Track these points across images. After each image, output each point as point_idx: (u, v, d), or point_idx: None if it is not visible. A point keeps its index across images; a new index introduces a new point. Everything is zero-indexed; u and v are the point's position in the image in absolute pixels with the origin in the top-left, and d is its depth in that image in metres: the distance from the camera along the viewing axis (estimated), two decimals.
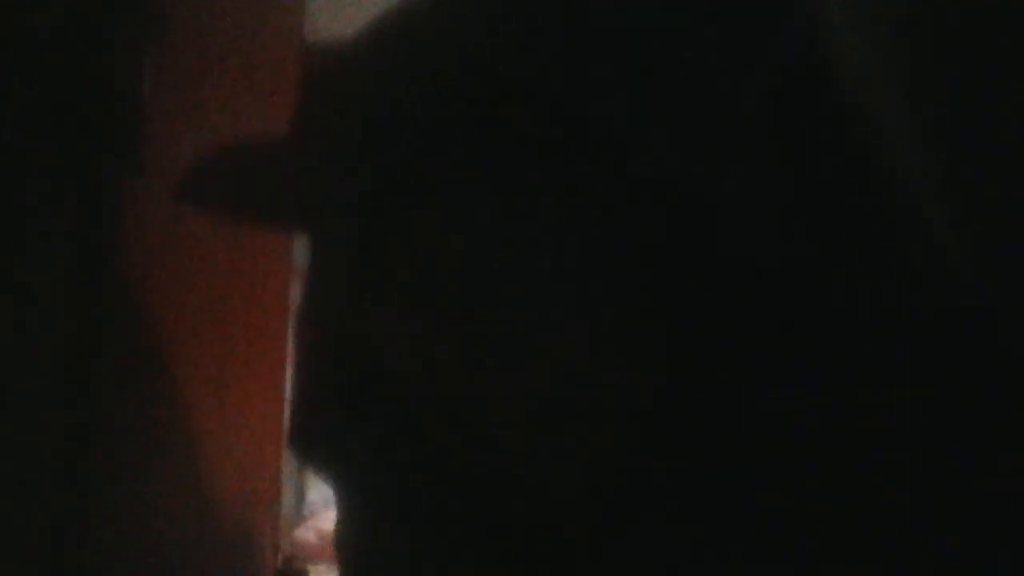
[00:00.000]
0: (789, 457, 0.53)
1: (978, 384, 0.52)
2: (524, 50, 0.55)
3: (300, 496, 2.66)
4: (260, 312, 1.70)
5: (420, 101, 0.56)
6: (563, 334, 0.55)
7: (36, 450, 1.21)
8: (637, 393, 0.55)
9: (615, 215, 0.55)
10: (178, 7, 1.39)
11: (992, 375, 0.53)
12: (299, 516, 2.58)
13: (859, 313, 0.54)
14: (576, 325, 0.55)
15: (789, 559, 0.52)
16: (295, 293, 1.71)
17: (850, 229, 0.55)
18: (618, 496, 0.55)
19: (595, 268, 0.55)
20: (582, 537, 0.56)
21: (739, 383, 0.54)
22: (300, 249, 1.62)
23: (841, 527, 0.52)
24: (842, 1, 0.58)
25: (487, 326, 0.56)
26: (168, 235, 1.37)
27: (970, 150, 0.55)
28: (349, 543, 0.62)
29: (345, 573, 0.63)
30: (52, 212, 1.21)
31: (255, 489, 1.71)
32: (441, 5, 0.58)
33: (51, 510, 1.22)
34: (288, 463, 1.88)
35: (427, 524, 0.58)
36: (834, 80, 0.59)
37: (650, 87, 0.55)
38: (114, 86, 1.27)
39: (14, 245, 1.19)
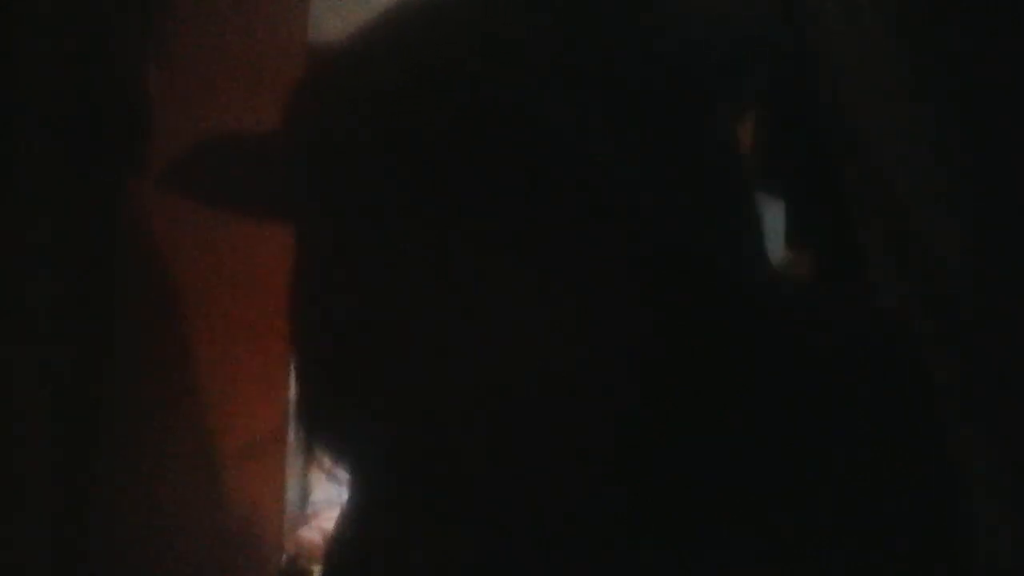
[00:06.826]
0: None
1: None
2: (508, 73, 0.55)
3: (304, 495, 2.66)
4: (264, 311, 1.70)
5: (411, 107, 0.57)
6: (555, 331, 0.55)
7: (39, 450, 1.21)
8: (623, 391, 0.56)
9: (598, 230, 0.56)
10: (183, 7, 1.40)
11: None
12: (303, 515, 2.58)
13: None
14: (569, 326, 0.55)
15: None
16: None
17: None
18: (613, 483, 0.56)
19: (585, 276, 0.55)
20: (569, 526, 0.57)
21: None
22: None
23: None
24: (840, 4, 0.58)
25: (483, 320, 0.56)
26: (171, 233, 1.37)
27: (970, 151, 0.55)
28: (348, 532, 0.63)
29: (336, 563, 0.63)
30: (55, 211, 1.22)
31: (259, 488, 1.71)
32: (438, 22, 0.59)
33: (54, 510, 1.22)
34: (292, 462, 1.88)
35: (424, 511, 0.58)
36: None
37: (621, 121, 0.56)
38: (118, 86, 1.27)
39: (17, 244, 1.19)
